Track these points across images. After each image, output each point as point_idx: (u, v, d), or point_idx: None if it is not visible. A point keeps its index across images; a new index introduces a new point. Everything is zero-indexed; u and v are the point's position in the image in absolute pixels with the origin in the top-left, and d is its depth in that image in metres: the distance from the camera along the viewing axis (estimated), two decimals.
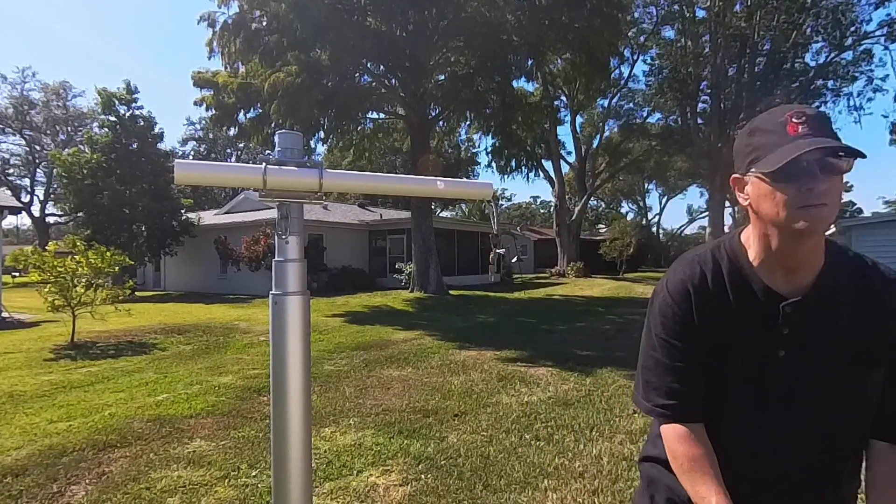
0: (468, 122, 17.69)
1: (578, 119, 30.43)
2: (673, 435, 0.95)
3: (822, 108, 27.16)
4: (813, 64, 24.93)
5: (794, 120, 0.80)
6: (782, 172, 0.80)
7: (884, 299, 0.89)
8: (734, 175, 0.92)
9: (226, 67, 13.74)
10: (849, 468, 0.95)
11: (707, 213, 32.41)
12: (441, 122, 18.03)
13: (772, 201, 0.83)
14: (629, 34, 24.37)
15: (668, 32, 26.63)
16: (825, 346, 0.88)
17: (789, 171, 0.79)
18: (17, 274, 26.96)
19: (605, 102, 29.44)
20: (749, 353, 0.92)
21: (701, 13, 24.30)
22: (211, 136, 45.24)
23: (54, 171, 24.14)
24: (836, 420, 0.90)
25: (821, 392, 0.89)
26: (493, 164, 16.62)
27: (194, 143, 47.27)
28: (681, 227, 56.33)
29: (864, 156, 0.79)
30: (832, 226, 13.77)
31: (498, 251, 22.55)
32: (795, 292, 0.89)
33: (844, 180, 0.87)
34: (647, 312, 1.04)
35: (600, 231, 43.87)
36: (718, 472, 0.89)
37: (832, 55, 24.30)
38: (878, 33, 23.16)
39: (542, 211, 61.14)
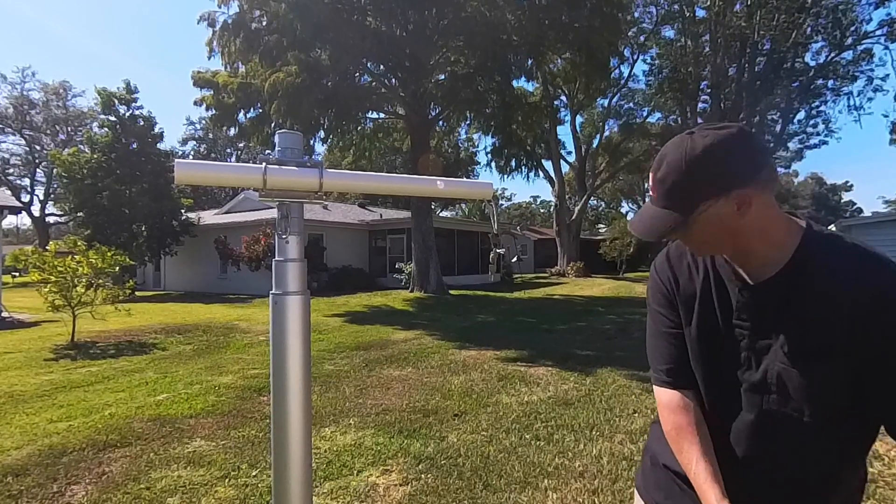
0: (468, 122, 17.69)
1: (578, 119, 30.47)
2: (664, 400, 1.00)
3: (822, 108, 27.20)
4: (813, 64, 24.97)
5: (649, 182, 0.89)
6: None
7: (863, 290, 0.80)
8: (743, 193, 0.84)
9: (226, 67, 13.73)
10: (826, 464, 0.87)
11: None
12: (441, 122, 18.02)
13: (777, 223, 0.89)
14: (629, 34, 24.36)
15: (668, 32, 26.68)
16: (783, 335, 0.84)
17: None
18: (17, 274, 26.97)
19: (605, 102, 29.47)
20: (706, 330, 0.94)
21: (701, 13, 24.31)
22: (211, 136, 45.26)
23: (54, 171, 24.16)
24: (796, 422, 0.85)
25: (776, 384, 0.85)
26: (493, 164, 16.61)
27: (194, 143, 47.32)
28: None
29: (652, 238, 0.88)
30: (833, 225, 13.77)
31: (498, 251, 22.53)
32: (758, 278, 0.87)
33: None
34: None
35: (600, 231, 43.86)
36: (706, 438, 0.91)
37: (832, 55, 24.31)
38: (878, 33, 23.17)
39: (542, 211, 61.16)
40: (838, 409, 0.83)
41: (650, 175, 0.88)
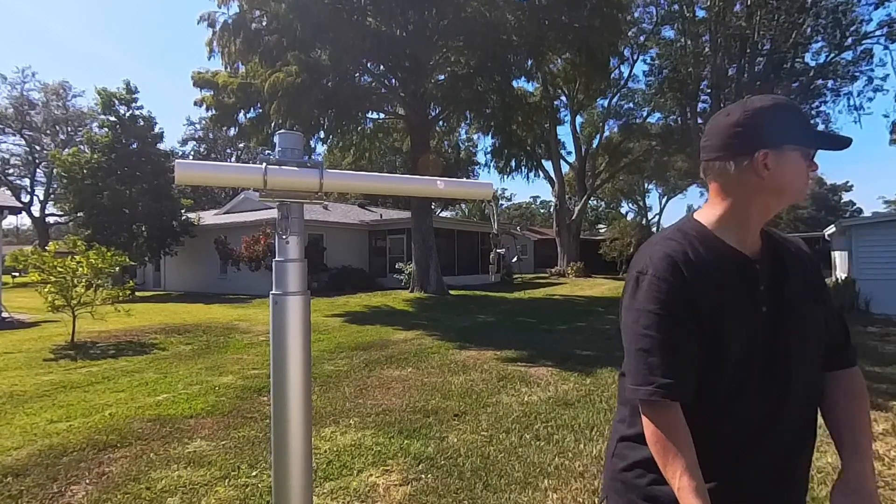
0: (468, 122, 17.71)
1: (578, 119, 30.43)
2: (657, 414, 0.94)
3: (823, 108, 27.21)
4: (813, 64, 24.91)
5: (810, 118, 0.99)
6: (809, 152, 0.98)
7: (802, 251, 1.09)
8: (767, 150, 0.95)
9: (226, 67, 13.73)
10: (815, 422, 1.05)
11: None
12: (441, 122, 18.03)
13: (798, 171, 0.98)
14: (629, 34, 24.31)
15: (668, 32, 26.62)
16: (793, 294, 1.00)
17: (810, 153, 0.98)
18: (17, 274, 26.95)
19: (605, 102, 29.42)
20: (740, 314, 0.97)
21: (701, 13, 24.27)
22: (211, 136, 45.22)
23: (54, 171, 24.15)
24: (813, 368, 1.01)
25: (795, 340, 0.98)
26: (493, 164, 16.64)
27: (194, 143, 47.27)
28: None
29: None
30: (833, 225, 13.70)
31: (498, 251, 22.54)
32: (755, 254, 1.02)
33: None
34: (628, 300, 1.02)
35: (600, 231, 43.86)
36: (692, 451, 0.90)
37: (832, 55, 24.26)
38: (878, 33, 23.12)
39: (542, 211, 61.15)
40: (821, 350, 1.04)
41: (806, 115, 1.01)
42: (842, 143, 0.99)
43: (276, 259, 0.95)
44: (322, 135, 15.22)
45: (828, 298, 1.07)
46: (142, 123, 19.25)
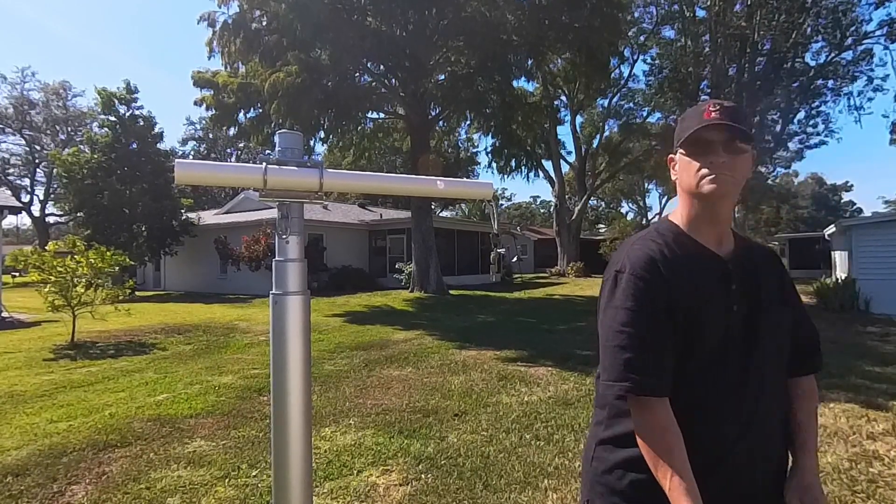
0: (468, 122, 17.67)
1: (578, 119, 30.41)
2: (642, 411, 0.95)
3: (822, 108, 27.20)
4: (813, 64, 24.91)
5: (710, 108, 1.00)
6: (693, 147, 1.00)
7: (770, 255, 1.13)
8: (669, 155, 1.10)
9: (226, 67, 13.72)
10: (783, 419, 1.08)
11: None
12: (441, 122, 18.01)
13: (687, 171, 1.02)
14: (629, 34, 24.32)
15: (668, 32, 26.63)
16: (764, 293, 1.03)
17: (698, 146, 1.00)
18: (17, 274, 26.94)
19: (605, 102, 29.42)
20: (714, 312, 0.99)
21: (701, 13, 24.28)
22: (211, 136, 45.22)
23: (54, 171, 24.16)
24: (778, 369, 1.04)
25: (767, 340, 1.01)
26: (493, 164, 16.56)
27: (194, 143, 47.28)
28: None
29: (751, 139, 1.01)
30: (833, 225, 13.70)
31: (498, 251, 22.53)
32: (728, 255, 1.04)
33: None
34: (606, 299, 1.02)
35: (600, 231, 43.86)
36: (682, 450, 0.91)
37: (832, 55, 24.27)
38: (878, 33, 23.13)
39: (542, 211, 61.12)
40: (788, 350, 1.07)
41: (712, 105, 1.01)
42: (717, 126, 0.98)
43: (276, 259, 0.95)
44: (322, 135, 15.21)
45: (797, 302, 1.11)
46: (142, 123, 19.25)
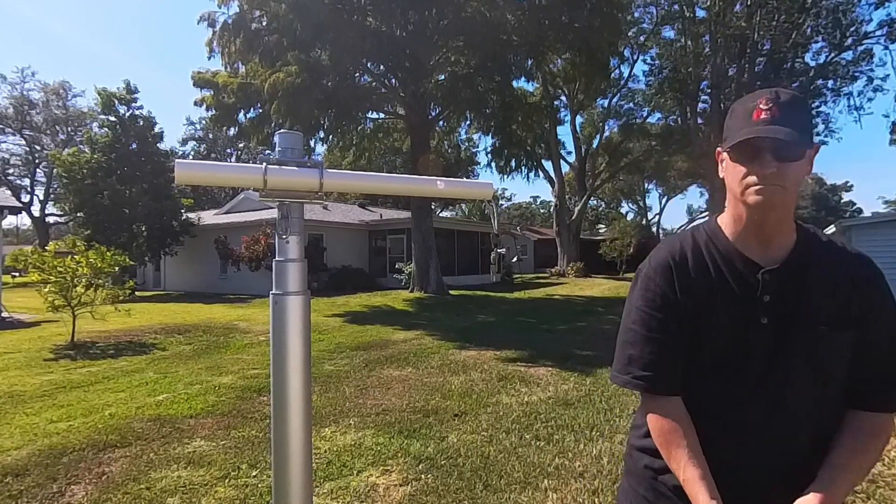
0: (468, 122, 17.69)
1: (578, 119, 30.41)
2: (656, 406, 0.98)
3: (822, 108, 27.19)
4: (813, 64, 24.91)
5: (761, 106, 0.89)
6: (739, 152, 0.91)
7: (851, 271, 0.96)
8: (718, 148, 1.01)
9: (226, 67, 13.73)
10: (820, 449, 0.95)
11: (707, 213, 32.39)
12: (441, 122, 18.01)
13: (733, 175, 0.94)
14: (629, 34, 24.34)
15: (668, 32, 26.62)
16: (803, 312, 0.93)
17: (745, 152, 0.90)
18: (17, 274, 26.95)
19: (605, 102, 29.40)
20: (733, 322, 0.95)
21: (701, 13, 24.28)
22: (211, 136, 45.22)
23: (54, 171, 24.15)
24: (810, 391, 0.93)
25: (799, 359, 0.93)
26: (493, 164, 16.58)
27: (194, 143, 47.27)
28: (681, 227, 56.28)
29: (809, 143, 0.89)
30: (833, 225, 13.74)
31: (498, 251, 22.53)
32: (772, 263, 0.95)
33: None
34: (629, 294, 1.08)
35: (600, 231, 43.84)
36: (695, 442, 0.92)
37: (832, 55, 24.26)
38: (878, 33, 23.12)
39: (542, 211, 61.10)
40: (842, 377, 0.94)
41: (764, 102, 0.89)
42: (769, 140, 0.87)
43: (276, 259, 0.95)
44: (322, 135, 15.23)
45: (871, 328, 0.93)
46: (142, 123, 19.25)
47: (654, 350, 0.98)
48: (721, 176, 1.00)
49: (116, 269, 8.38)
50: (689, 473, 0.89)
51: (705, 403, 0.96)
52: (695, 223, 1.13)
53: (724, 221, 1.02)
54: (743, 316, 0.95)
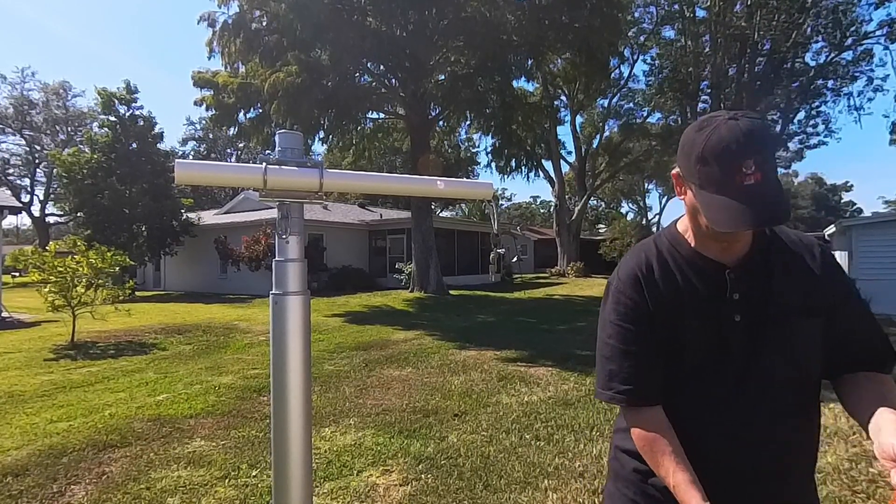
0: (468, 122, 17.67)
1: (578, 119, 30.40)
2: (638, 418, 0.99)
3: (822, 108, 27.17)
4: (813, 64, 24.94)
5: (744, 170, 0.81)
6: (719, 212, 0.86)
7: (814, 257, 0.99)
8: (675, 171, 0.96)
9: (226, 67, 13.72)
10: (805, 438, 0.98)
11: None
12: (441, 122, 18.01)
13: (701, 207, 0.89)
14: (629, 34, 24.33)
15: (668, 32, 26.64)
16: (773, 303, 0.94)
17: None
18: (17, 274, 26.96)
19: (605, 102, 29.42)
20: (706, 323, 0.96)
21: (701, 13, 24.30)
22: (211, 136, 45.22)
23: (54, 171, 24.15)
24: (788, 386, 0.95)
25: (775, 354, 0.94)
26: (493, 164, 16.57)
27: (194, 143, 47.27)
28: None
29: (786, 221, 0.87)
30: (833, 225, 13.65)
31: (498, 251, 22.52)
32: (735, 261, 0.96)
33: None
34: (601, 309, 1.08)
35: (600, 231, 43.83)
36: (679, 448, 0.93)
37: (832, 55, 24.28)
38: (878, 33, 23.13)
39: (542, 211, 61.10)
40: (816, 362, 0.96)
41: (746, 166, 0.81)
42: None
43: (276, 259, 0.95)
44: (322, 135, 15.22)
45: (841, 311, 0.96)
46: (142, 123, 19.24)
47: (633, 364, 0.99)
48: (679, 198, 0.98)
49: (116, 269, 8.38)
50: (677, 479, 0.89)
51: (687, 408, 0.97)
52: (658, 231, 1.12)
53: (684, 227, 1.03)
54: (716, 316, 0.95)
